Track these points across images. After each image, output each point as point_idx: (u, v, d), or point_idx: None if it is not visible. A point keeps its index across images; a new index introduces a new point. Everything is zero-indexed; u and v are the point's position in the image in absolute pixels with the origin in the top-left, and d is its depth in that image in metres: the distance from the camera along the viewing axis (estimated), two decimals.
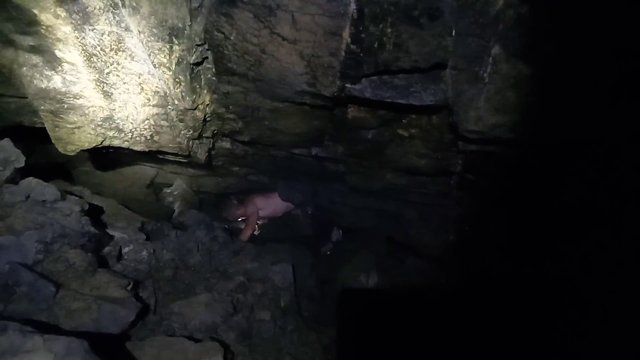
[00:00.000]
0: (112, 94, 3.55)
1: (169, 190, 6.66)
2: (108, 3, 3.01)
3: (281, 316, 4.28)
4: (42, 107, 3.61)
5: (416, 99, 3.49)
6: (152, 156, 5.09)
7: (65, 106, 3.58)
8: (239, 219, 7.24)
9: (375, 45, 3.20)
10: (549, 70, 3.09)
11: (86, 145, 3.84)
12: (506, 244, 4.90)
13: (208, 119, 4.13)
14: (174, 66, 3.43)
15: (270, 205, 7.00)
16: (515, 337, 4.02)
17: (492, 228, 5.32)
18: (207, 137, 4.50)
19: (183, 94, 3.64)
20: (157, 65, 3.40)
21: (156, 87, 3.56)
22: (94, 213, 4.29)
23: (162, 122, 3.85)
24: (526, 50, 3.07)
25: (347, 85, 3.49)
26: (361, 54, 3.27)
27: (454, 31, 3.14)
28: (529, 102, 3.24)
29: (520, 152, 3.73)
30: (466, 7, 3.03)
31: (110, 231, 4.39)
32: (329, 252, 7.03)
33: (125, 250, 4.23)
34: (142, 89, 3.55)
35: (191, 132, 4.08)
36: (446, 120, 3.80)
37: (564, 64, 3.05)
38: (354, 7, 3.05)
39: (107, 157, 5.34)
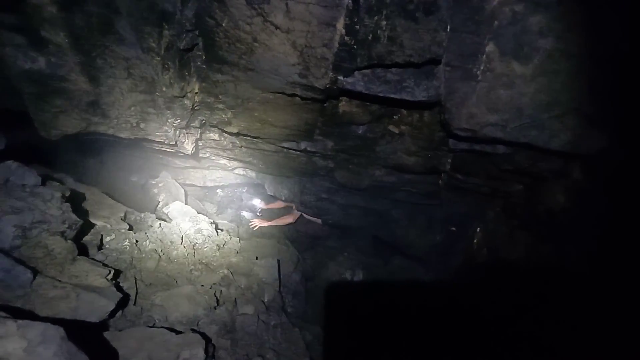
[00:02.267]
0: (98, 78, 3.46)
1: (154, 182, 6.55)
2: None
3: (265, 311, 4.22)
4: (25, 90, 3.49)
5: (409, 95, 3.47)
6: (138, 145, 5.00)
7: (50, 89, 3.47)
8: (276, 208, 7.43)
9: (370, 37, 3.16)
10: (542, 70, 3.07)
11: (70, 130, 3.73)
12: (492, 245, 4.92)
13: (196, 107, 4.05)
14: (163, 51, 3.35)
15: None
16: (499, 335, 4.02)
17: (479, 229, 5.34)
18: (194, 127, 4.42)
19: (171, 80, 3.55)
20: (145, 50, 3.31)
21: (144, 72, 3.47)
22: (75, 200, 4.19)
23: (149, 109, 3.76)
24: (520, 50, 3.06)
25: (339, 77, 3.44)
26: (355, 46, 3.23)
27: (449, 27, 3.11)
28: (521, 102, 3.24)
29: (510, 152, 3.72)
30: (462, 2, 3.00)
31: (92, 219, 4.29)
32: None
33: (107, 239, 4.14)
34: (129, 73, 3.46)
35: (179, 120, 4.00)
36: (437, 117, 3.78)
37: (558, 64, 3.04)
38: None
39: (92, 144, 5.22)
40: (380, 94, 3.50)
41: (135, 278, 3.85)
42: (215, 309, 3.84)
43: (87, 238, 3.95)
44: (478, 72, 3.23)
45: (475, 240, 5.39)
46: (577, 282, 3.43)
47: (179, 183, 6.72)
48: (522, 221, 4.32)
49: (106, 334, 2.96)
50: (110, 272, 3.42)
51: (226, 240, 5.24)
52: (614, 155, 3.23)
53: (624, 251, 3.14)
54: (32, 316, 2.63)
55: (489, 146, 3.75)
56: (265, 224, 6.65)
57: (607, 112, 3.14)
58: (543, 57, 3.03)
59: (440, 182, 4.89)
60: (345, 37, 3.20)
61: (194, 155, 5.23)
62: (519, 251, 4.30)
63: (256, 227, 6.53)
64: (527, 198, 4.22)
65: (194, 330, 3.51)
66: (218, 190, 8.54)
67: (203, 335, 3.37)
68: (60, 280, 2.99)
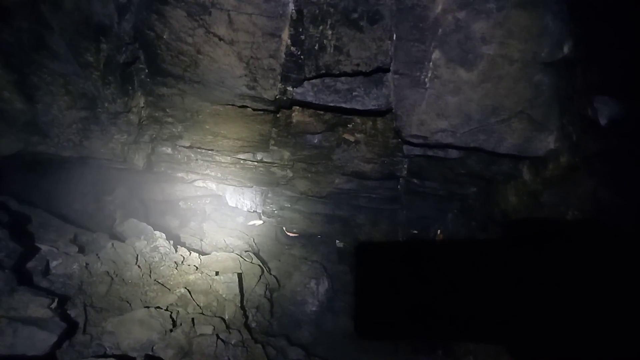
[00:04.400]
0: (34, 96, 3.27)
1: (109, 198, 6.28)
2: None
3: (225, 329, 4.09)
4: None
5: (359, 104, 3.45)
6: (88, 162, 4.78)
7: None
8: None
9: (316, 47, 3.13)
10: (486, 76, 3.11)
11: (6, 152, 3.52)
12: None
13: (144, 122, 3.91)
14: (102, 66, 3.20)
15: None
16: None
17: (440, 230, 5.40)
18: (144, 142, 4.26)
19: (114, 96, 3.41)
20: (83, 65, 3.16)
21: (83, 88, 3.31)
22: (18, 225, 3.96)
23: (92, 126, 3.60)
24: (465, 56, 3.08)
25: (288, 88, 3.40)
26: (302, 57, 3.18)
27: (394, 35, 3.11)
28: (469, 107, 3.27)
29: (462, 156, 3.76)
30: (406, 11, 3.01)
31: (37, 244, 4.06)
32: None
33: (53, 264, 3.92)
34: (67, 90, 3.29)
35: (125, 136, 3.84)
36: (390, 125, 3.78)
37: (502, 69, 3.08)
38: (293, 8, 2.96)
39: (37, 164, 4.96)
40: (331, 104, 3.48)
41: (84, 304, 3.66)
42: (171, 331, 3.69)
43: (30, 264, 3.72)
44: (426, 79, 3.25)
45: (437, 243, 5.44)
46: (533, 280, 3.49)
47: (137, 198, 6.48)
48: (480, 223, 4.38)
49: None
50: (53, 300, 3.22)
51: (185, 257, 5.07)
52: (561, 156, 3.29)
53: (576, 250, 3.21)
54: None
55: (441, 151, 3.78)
56: None
57: (552, 115, 3.20)
58: (487, 63, 3.06)
59: (399, 187, 4.90)
60: (292, 48, 3.16)
61: (149, 170, 5.06)
62: (478, 252, 4.35)
63: None
64: (482, 200, 4.28)
65: (148, 357, 3.35)
66: (180, 203, 8.31)
67: None
68: None
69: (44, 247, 4.03)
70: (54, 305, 3.21)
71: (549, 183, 3.44)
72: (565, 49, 3.06)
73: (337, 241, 6.57)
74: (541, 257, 3.37)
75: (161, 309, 3.88)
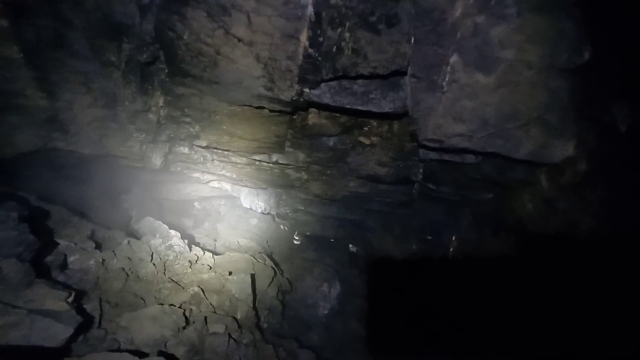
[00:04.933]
0: (55, 93, 3.35)
1: (126, 197, 6.37)
2: None
3: (237, 329, 4.11)
4: None
5: (375, 106, 3.45)
6: (107, 161, 4.86)
7: (4, 105, 3.34)
8: None
9: (334, 49, 3.14)
10: (504, 81, 3.09)
11: (27, 148, 3.61)
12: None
13: (162, 122, 3.96)
14: (123, 65, 3.27)
15: None
16: None
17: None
18: (162, 141, 4.32)
19: (134, 95, 3.47)
20: (104, 64, 3.23)
21: (104, 87, 3.38)
22: (37, 220, 4.03)
23: (111, 124, 3.66)
24: (483, 61, 3.07)
25: (305, 89, 3.42)
26: (319, 58, 3.20)
27: (412, 39, 3.11)
28: (486, 112, 3.24)
29: (478, 162, 3.73)
30: (424, 14, 3.01)
31: (56, 239, 4.13)
32: None
33: (70, 259, 3.98)
34: (88, 88, 3.36)
35: (144, 135, 3.90)
36: (406, 128, 3.78)
37: (520, 74, 3.06)
38: (312, 10, 2.98)
39: (57, 160, 5.06)
40: (347, 106, 3.48)
41: (100, 299, 3.71)
42: (184, 329, 3.72)
43: (48, 259, 3.79)
44: (443, 83, 3.24)
45: (450, 249, 5.39)
46: (546, 288, 3.45)
47: (152, 197, 6.56)
48: (493, 229, 4.33)
49: None
50: (71, 294, 3.28)
51: (199, 256, 5.11)
52: (578, 163, 3.25)
53: (592, 257, 3.16)
54: None
55: (457, 156, 3.76)
56: None
57: (569, 121, 3.16)
58: (505, 68, 3.04)
59: (413, 191, 4.88)
60: (310, 50, 3.18)
61: (165, 170, 5.12)
62: (491, 258, 4.30)
63: None
64: (496, 206, 4.23)
65: (160, 352, 3.38)
66: (195, 204, 8.38)
67: (170, 357, 3.26)
68: (14, 306, 2.85)
69: (62, 242, 4.10)
70: (70, 299, 3.27)
71: (565, 190, 3.39)
72: (585, 55, 3.03)
73: (349, 245, 6.54)
74: (557, 264, 3.32)
75: (174, 306, 3.91)
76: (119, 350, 3.27)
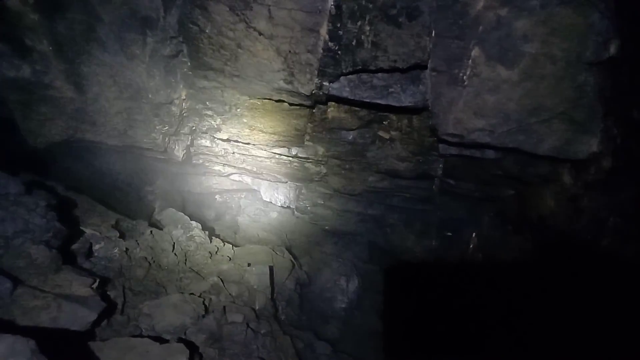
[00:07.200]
0: (83, 85, 3.46)
1: (150, 188, 6.53)
2: None
3: (255, 319, 4.17)
4: (11, 98, 3.50)
5: (395, 100, 3.44)
6: (132, 152, 4.99)
7: (36, 97, 3.48)
8: None
9: (354, 43, 3.15)
10: (527, 74, 3.03)
11: (57, 138, 3.74)
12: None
13: (185, 114, 4.04)
14: (147, 58, 3.35)
15: None
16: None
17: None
18: (184, 134, 4.41)
19: (157, 87, 3.55)
20: (130, 57, 3.32)
21: (129, 79, 3.47)
22: (64, 208, 4.17)
23: (136, 116, 3.76)
24: (505, 54, 3.02)
25: (325, 83, 3.43)
26: (339, 52, 3.21)
27: (433, 32, 3.09)
28: (508, 106, 3.19)
29: (499, 157, 3.67)
30: (446, 7, 2.98)
31: (82, 227, 4.27)
32: None
33: (95, 247, 4.11)
34: (115, 81, 3.46)
35: (167, 127, 3.99)
36: (426, 123, 3.75)
37: (544, 68, 3.00)
38: (332, 4, 2.99)
39: (84, 151, 5.22)
40: (367, 100, 3.48)
41: (123, 286, 3.82)
42: (203, 317, 3.80)
43: (75, 246, 3.92)
44: (464, 76, 3.20)
45: (470, 246, 5.34)
46: (568, 286, 3.38)
47: (175, 189, 6.70)
48: (515, 226, 4.26)
49: (91, 344, 2.93)
50: (95, 280, 3.39)
51: (219, 247, 5.20)
52: (604, 160, 3.17)
53: (617, 257, 3.08)
54: (10, 327, 2.60)
55: (478, 151, 3.71)
56: None
57: (595, 117, 3.09)
58: (528, 62, 2.99)
59: (433, 187, 4.84)
60: (329, 43, 3.19)
61: (187, 162, 5.22)
62: (512, 257, 4.24)
63: None
64: (519, 203, 4.17)
65: (180, 339, 3.46)
66: (216, 196, 8.51)
67: (190, 344, 3.33)
68: (42, 290, 2.97)
69: (87, 231, 4.23)
70: (95, 285, 3.38)
71: (589, 187, 3.31)
72: (612, 49, 2.94)
73: (369, 240, 6.53)
74: (581, 263, 3.25)
75: (195, 295, 4.00)
76: (141, 335, 3.36)
